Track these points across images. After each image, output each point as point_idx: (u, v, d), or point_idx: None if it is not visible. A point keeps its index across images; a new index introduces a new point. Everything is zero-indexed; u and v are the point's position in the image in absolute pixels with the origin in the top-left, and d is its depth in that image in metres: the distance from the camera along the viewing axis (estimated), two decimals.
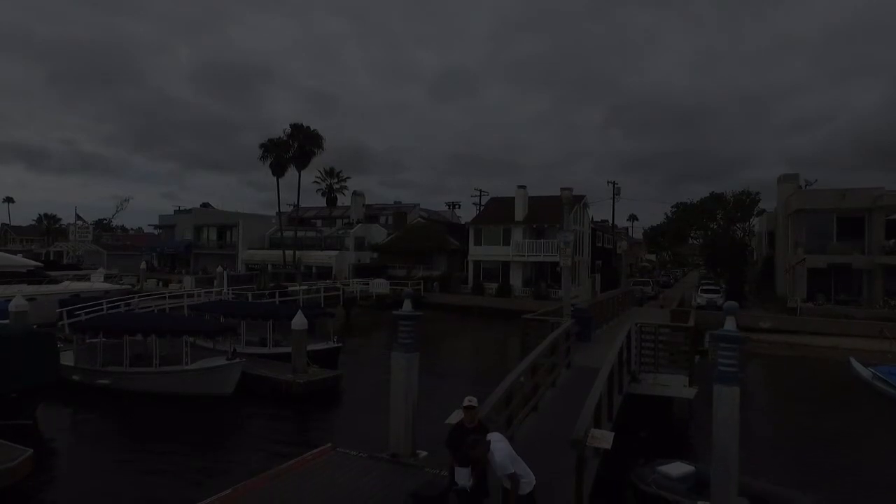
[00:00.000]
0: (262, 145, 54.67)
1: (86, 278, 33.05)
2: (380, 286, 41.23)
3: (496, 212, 49.61)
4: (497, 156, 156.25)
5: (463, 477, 6.44)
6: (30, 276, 27.40)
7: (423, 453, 10.17)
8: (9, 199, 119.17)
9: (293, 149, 54.72)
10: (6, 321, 17.09)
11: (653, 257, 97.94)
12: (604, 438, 7.06)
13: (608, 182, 58.80)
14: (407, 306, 10.10)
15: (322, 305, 28.27)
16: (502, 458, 6.17)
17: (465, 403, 6.74)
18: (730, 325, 8.20)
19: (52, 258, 53.54)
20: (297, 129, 55.18)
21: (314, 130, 55.26)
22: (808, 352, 26.71)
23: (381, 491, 8.32)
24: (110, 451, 12.03)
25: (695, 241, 53.00)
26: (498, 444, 6.33)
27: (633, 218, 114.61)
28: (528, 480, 6.27)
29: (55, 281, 28.93)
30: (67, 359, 16.27)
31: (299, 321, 16.58)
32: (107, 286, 30.73)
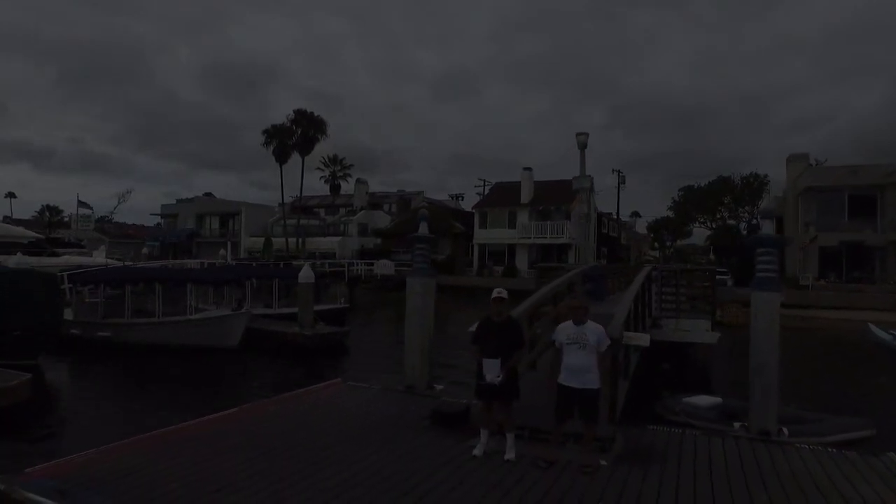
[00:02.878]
0: (265, 131, 54.23)
1: (87, 254, 32.53)
2: (385, 267, 40.75)
3: (501, 195, 49.15)
4: (498, 155, 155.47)
5: (492, 370, 5.96)
6: (30, 248, 26.87)
7: (440, 387, 9.72)
8: (11, 195, 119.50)
9: (296, 135, 54.36)
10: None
11: (656, 253, 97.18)
12: (640, 338, 6.60)
13: (613, 170, 58.16)
14: (423, 229, 9.63)
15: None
16: (600, 334, 5.81)
17: (495, 295, 6.25)
18: (767, 229, 7.76)
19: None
20: (301, 115, 54.66)
21: (318, 116, 54.79)
22: (823, 324, 26.24)
23: (394, 415, 7.85)
24: (109, 390, 11.66)
25: (702, 226, 52.46)
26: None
27: (635, 214, 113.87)
28: (595, 377, 5.84)
29: (56, 254, 28.47)
30: (67, 314, 15.83)
31: (306, 274, 16.13)
32: (109, 261, 30.22)
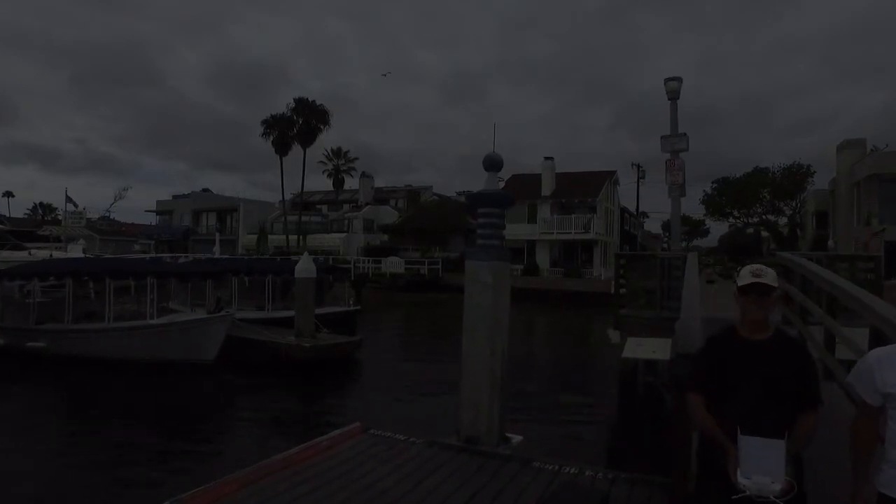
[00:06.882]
0: (264, 121, 50.88)
1: (61, 249, 28.95)
2: (394, 265, 37.10)
3: (519, 188, 45.24)
4: (504, 156, 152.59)
5: (765, 465, 2.23)
6: None
7: (517, 437, 6.10)
8: (8, 194, 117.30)
9: (297, 125, 51.00)
10: None
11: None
12: None
13: (632, 165, 54.76)
14: (491, 182, 5.95)
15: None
16: None
17: (749, 280, 2.49)
18: None
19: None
20: (302, 104, 51.28)
21: (320, 105, 51.47)
22: None
23: (461, 498, 4.24)
24: (27, 429, 7.94)
25: (738, 221, 48.58)
26: None
27: (643, 214, 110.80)
28: None
29: (21, 247, 24.95)
30: None
31: (305, 267, 12.37)
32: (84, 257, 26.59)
